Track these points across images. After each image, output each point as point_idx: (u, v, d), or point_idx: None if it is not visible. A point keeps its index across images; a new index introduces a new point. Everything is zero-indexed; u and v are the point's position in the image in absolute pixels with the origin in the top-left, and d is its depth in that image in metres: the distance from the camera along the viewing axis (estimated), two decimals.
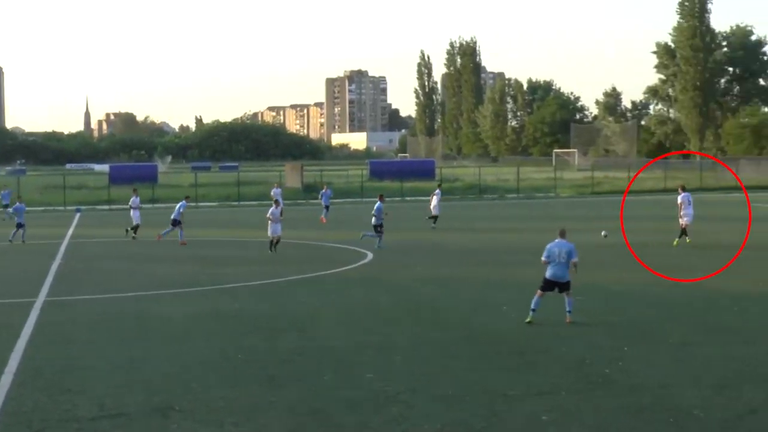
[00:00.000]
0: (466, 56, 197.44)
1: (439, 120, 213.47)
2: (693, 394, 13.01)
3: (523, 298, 21.45)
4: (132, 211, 40.20)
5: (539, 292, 18.43)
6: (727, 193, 74.33)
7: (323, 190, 50.53)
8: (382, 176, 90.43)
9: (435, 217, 42.80)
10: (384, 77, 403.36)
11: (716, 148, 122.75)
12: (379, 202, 34.43)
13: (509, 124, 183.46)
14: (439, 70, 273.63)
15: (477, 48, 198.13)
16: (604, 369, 14.54)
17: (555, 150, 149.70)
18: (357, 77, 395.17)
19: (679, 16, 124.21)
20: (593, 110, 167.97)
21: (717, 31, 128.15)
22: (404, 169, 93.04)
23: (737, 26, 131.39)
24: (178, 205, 37.65)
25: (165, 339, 17.63)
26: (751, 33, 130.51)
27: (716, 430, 11.40)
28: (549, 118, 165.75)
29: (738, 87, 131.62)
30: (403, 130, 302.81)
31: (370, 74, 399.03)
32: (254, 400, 13.06)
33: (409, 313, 20.00)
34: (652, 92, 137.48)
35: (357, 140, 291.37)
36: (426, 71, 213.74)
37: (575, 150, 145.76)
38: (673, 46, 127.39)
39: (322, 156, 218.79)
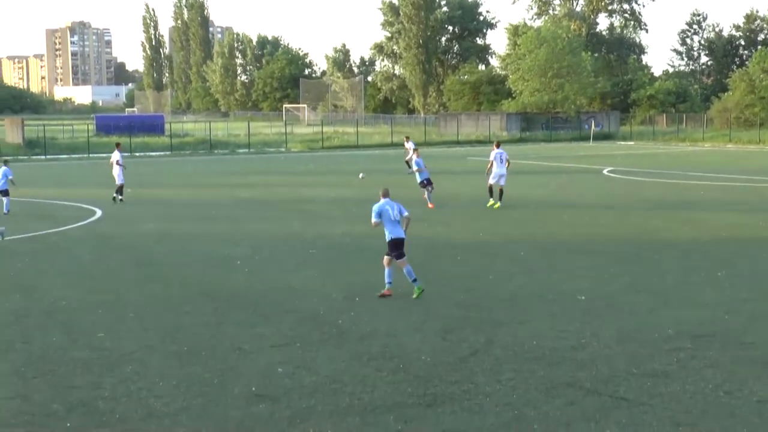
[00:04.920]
0: (193, 9, 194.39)
1: (167, 74, 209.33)
2: (419, 340, 13.60)
3: (256, 253, 21.63)
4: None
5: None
6: (449, 147, 77.63)
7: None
8: (109, 131, 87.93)
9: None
10: (108, 29, 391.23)
11: (438, 104, 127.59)
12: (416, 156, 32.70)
13: (239, 78, 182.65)
14: (166, 23, 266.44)
15: (204, 1, 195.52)
16: (337, 320, 14.90)
17: (285, 105, 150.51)
18: (80, 28, 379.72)
19: None
20: (322, 66, 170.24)
21: None
22: (133, 123, 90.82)
23: None
24: None
25: None
26: None
27: (442, 372, 11.95)
28: (278, 74, 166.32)
29: (457, 45, 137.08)
30: (131, 84, 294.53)
31: (93, 26, 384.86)
32: None
33: (140, 271, 19.65)
34: (379, 49, 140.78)
35: (82, 94, 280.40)
36: (152, 24, 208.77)
37: (305, 105, 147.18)
38: (396, 3, 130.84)
39: (44, 110, 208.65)
